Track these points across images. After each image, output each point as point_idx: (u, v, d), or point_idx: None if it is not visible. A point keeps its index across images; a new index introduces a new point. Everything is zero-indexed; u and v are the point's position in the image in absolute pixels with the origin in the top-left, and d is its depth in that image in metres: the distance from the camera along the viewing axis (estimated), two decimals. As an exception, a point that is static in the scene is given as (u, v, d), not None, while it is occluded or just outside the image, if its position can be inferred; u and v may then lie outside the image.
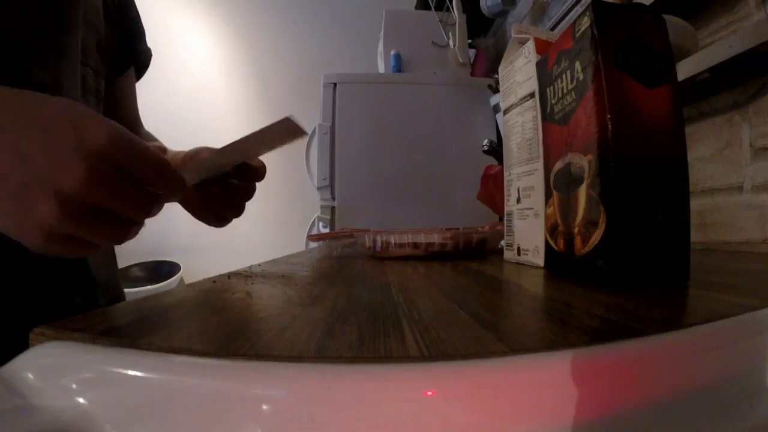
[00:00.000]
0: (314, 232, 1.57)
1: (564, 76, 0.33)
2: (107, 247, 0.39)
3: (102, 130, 0.27)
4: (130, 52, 0.69)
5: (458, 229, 0.59)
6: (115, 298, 0.59)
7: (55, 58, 0.50)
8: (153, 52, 0.74)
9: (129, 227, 0.29)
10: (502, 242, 0.48)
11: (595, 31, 0.28)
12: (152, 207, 0.30)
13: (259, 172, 0.45)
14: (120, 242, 0.30)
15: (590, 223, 0.29)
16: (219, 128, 2.44)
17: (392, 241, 0.54)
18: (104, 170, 0.26)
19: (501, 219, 0.56)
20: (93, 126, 0.27)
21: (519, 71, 0.43)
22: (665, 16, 0.31)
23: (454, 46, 1.45)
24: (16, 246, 0.32)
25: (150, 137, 0.75)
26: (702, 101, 0.66)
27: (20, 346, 0.17)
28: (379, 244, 0.55)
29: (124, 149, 0.27)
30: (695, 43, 0.63)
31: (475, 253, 0.54)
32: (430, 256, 0.52)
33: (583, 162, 0.30)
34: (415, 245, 0.53)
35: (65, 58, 0.51)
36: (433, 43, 1.50)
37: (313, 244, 0.91)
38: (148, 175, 0.29)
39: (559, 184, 0.34)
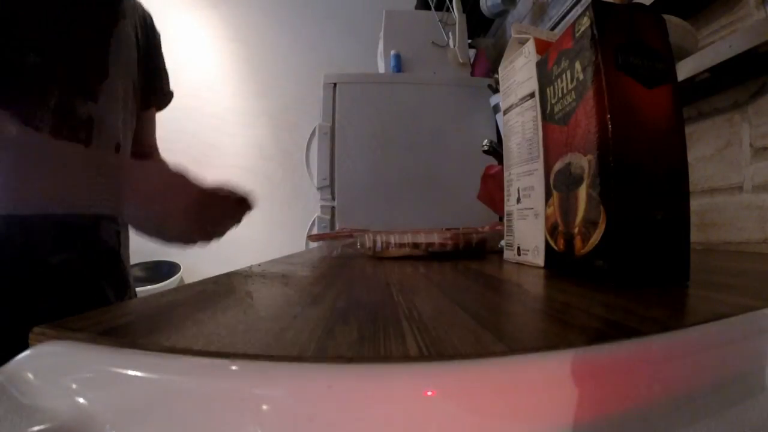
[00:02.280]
0: (314, 232, 1.57)
1: (564, 76, 0.33)
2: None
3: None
4: (156, 93, 0.79)
5: (458, 229, 0.59)
6: (133, 294, 0.68)
7: (103, 98, 0.59)
8: None
9: None
10: (502, 242, 0.48)
11: (595, 31, 0.28)
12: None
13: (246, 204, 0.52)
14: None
15: (590, 223, 0.29)
16: (219, 128, 2.44)
17: (392, 241, 0.54)
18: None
19: (501, 219, 0.56)
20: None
21: (519, 71, 0.43)
22: (665, 16, 0.31)
23: (454, 46, 1.45)
24: (54, 245, 0.45)
25: (162, 161, 0.83)
26: (702, 101, 0.66)
27: None
28: (379, 244, 0.55)
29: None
30: (695, 43, 0.63)
31: (475, 253, 0.54)
32: (430, 256, 0.52)
33: (583, 162, 0.30)
34: (415, 245, 0.53)
35: (111, 99, 0.60)
36: (433, 43, 1.50)
37: (313, 244, 0.91)
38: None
39: (559, 184, 0.34)
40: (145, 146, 0.80)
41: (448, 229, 0.57)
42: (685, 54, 0.59)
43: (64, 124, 0.54)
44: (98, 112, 0.58)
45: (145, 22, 0.73)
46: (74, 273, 0.54)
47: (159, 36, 0.78)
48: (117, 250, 0.63)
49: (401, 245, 0.53)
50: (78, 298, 0.54)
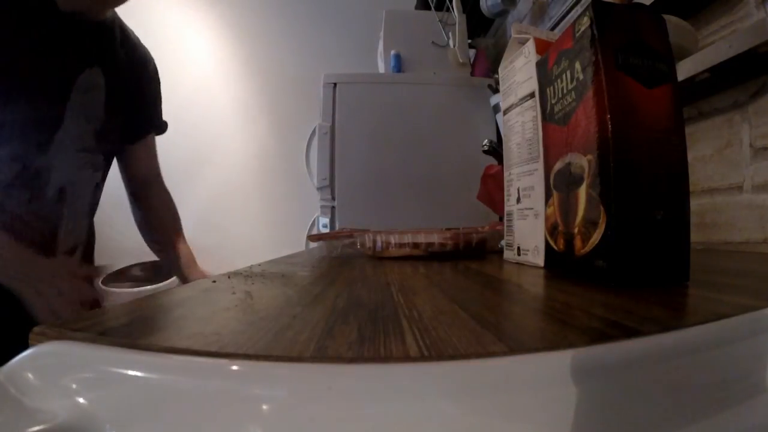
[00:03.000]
0: (314, 232, 1.57)
1: (564, 76, 0.33)
2: None
3: None
4: (143, 126, 0.84)
5: (458, 229, 0.59)
6: None
7: (54, 148, 0.63)
8: (153, 53, 0.83)
9: None
10: (502, 242, 0.48)
11: (595, 31, 0.28)
12: None
13: None
14: None
15: (590, 223, 0.29)
16: (219, 129, 2.44)
17: (392, 241, 0.54)
18: None
19: (501, 219, 0.56)
20: None
21: (519, 71, 0.43)
22: (665, 16, 0.31)
23: (454, 46, 1.45)
24: None
25: (163, 197, 0.89)
26: (702, 101, 0.66)
27: None
28: (379, 244, 0.55)
29: None
30: (695, 43, 0.63)
31: (475, 253, 0.54)
32: (430, 256, 0.52)
33: (583, 162, 0.30)
34: (415, 245, 0.53)
35: (63, 148, 0.65)
36: (433, 43, 1.50)
37: (313, 244, 0.91)
38: None
39: (559, 184, 0.34)
40: (139, 178, 0.86)
41: (448, 229, 0.57)
42: (685, 54, 0.59)
43: (19, 178, 0.61)
44: (49, 163, 0.64)
45: (133, 58, 0.78)
46: None
47: (151, 72, 0.83)
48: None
49: (401, 245, 0.53)
50: None
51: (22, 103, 0.60)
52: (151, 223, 0.88)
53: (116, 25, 0.74)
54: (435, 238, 0.53)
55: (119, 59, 0.74)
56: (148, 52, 0.84)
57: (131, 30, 0.81)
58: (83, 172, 0.70)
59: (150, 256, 0.90)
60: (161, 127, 0.88)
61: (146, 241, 0.89)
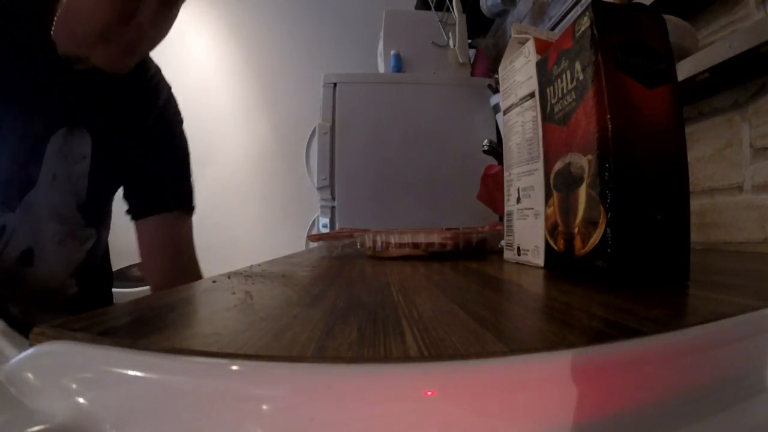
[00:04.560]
0: (314, 232, 1.57)
1: (564, 76, 0.33)
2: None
3: None
4: (154, 204, 0.68)
5: (458, 229, 0.59)
6: None
7: (19, 210, 0.56)
8: (152, 53, 0.72)
9: None
10: (502, 242, 0.48)
11: (595, 31, 0.28)
12: None
13: None
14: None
15: (590, 223, 0.29)
16: (219, 129, 2.44)
17: (392, 241, 0.54)
18: None
19: (501, 219, 0.56)
20: None
21: (519, 71, 0.43)
22: (665, 16, 0.31)
23: (454, 46, 1.45)
24: None
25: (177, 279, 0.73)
26: (702, 101, 0.66)
27: None
28: (379, 244, 0.55)
29: None
30: (695, 43, 0.63)
31: (475, 253, 0.54)
32: (430, 256, 0.52)
33: (583, 162, 0.30)
34: (415, 245, 0.53)
35: (31, 214, 0.57)
36: (433, 43, 1.50)
37: (313, 244, 0.91)
38: None
39: (559, 184, 0.34)
40: (145, 253, 0.71)
41: (448, 229, 0.57)
42: (685, 54, 0.59)
43: None
44: (12, 222, 0.56)
45: (160, 136, 0.65)
46: None
47: (177, 143, 0.69)
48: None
49: (401, 245, 0.53)
50: None
51: None
52: (146, 276, 0.74)
53: (146, 82, 0.62)
54: (435, 238, 0.53)
55: (132, 122, 0.62)
56: (180, 115, 0.70)
57: (170, 91, 0.67)
58: (60, 246, 0.61)
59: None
60: (183, 207, 0.70)
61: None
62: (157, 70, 0.66)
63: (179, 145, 0.70)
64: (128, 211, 0.69)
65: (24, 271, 0.58)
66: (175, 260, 0.72)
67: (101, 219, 0.66)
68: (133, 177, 0.66)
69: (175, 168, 0.70)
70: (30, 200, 0.56)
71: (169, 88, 0.68)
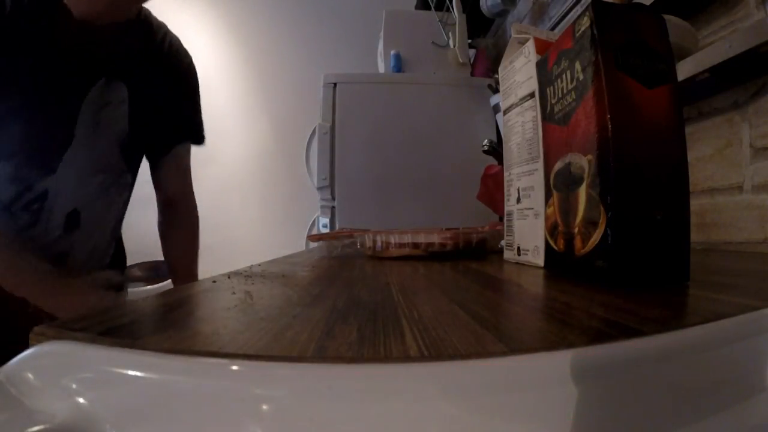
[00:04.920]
0: (314, 232, 1.57)
1: (564, 76, 0.33)
2: None
3: None
4: (174, 136, 0.75)
5: (458, 229, 0.59)
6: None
7: (63, 168, 0.58)
8: None
9: None
10: (502, 242, 0.48)
11: (595, 31, 0.28)
12: None
13: None
14: None
15: (590, 223, 0.29)
16: (219, 128, 2.44)
17: (392, 241, 0.54)
18: None
19: (501, 219, 0.56)
20: None
21: (519, 71, 0.43)
22: (665, 16, 0.31)
23: (454, 46, 1.45)
24: None
25: (187, 222, 0.83)
26: (702, 101, 0.66)
27: None
28: (379, 244, 0.55)
29: None
30: (695, 43, 0.63)
31: (475, 253, 0.54)
32: (430, 256, 0.52)
33: (583, 162, 0.30)
34: (415, 245, 0.53)
35: (72, 171, 0.59)
36: (433, 43, 1.50)
37: (313, 244, 0.91)
38: None
39: (559, 184, 0.34)
40: (168, 195, 0.80)
41: (448, 229, 0.57)
42: (685, 54, 0.59)
43: (19, 200, 0.56)
44: (56, 185, 0.58)
45: (167, 65, 0.70)
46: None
47: (187, 74, 0.76)
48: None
49: (401, 245, 0.53)
50: None
51: (22, 121, 0.55)
52: (168, 245, 0.83)
53: (146, 24, 0.66)
54: (435, 238, 0.53)
55: (147, 62, 0.66)
56: (186, 52, 0.76)
57: (167, 28, 0.72)
58: (104, 197, 0.64)
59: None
60: (195, 137, 0.78)
61: (162, 248, 0.85)
62: (149, 12, 0.69)
63: (190, 77, 0.77)
64: (153, 152, 0.74)
65: (71, 240, 0.61)
66: (186, 186, 0.81)
67: (137, 165, 0.72)
68: (158, 113, 0.71)
69: (190, 100, 0.78)
70: (70, 157, 0.59)
71: (166, 26, 0.73)
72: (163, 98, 0.71)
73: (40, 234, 0.58)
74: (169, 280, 0.95)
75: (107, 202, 0.66)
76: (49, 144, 0.58)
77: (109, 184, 0.65)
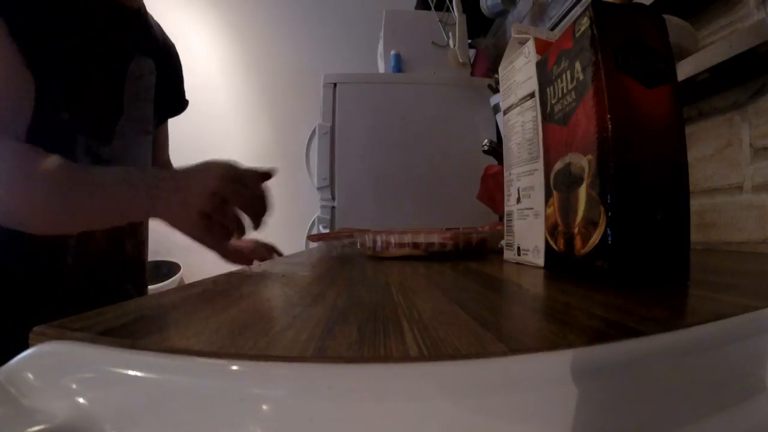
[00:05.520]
0: (314, 232, 1.57)
1: (564, 76, 0.33)
2: (232, 236, 0.50)
3: (225, 164, 0.49)
4: (173, 106, 0.86)
5: (458, 229, 0.59)
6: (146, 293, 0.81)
7: (117, 138, 0.65)
8: None
9: (243, 211, 0.49)
10: (502, 242, 0.48)
11: (595, 31, 0.28)
12: (254, 203, 0.50)
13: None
14: (239, 227, 0.49)
15: (590, 223, 0.29)
16: (219, 129, 2.44)
17: (392, 241, 0.54)
18: (229, 183, 0.47)
19: (501, 219, 0.56)
20: (222, 163, 0.49)
21: (519, 71, 0.43)
22: (665, 16, 0.31)
23: (454, 46, 1.45)
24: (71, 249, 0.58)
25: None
26: (702, 101, 0.66)
27: None
28: (379, 244, 0.55)
29: (239, 175, 0.48)
30: (695, 43, 0.63)
31: (475, 253, 0.54)
32: (430, 256, 0.52)
33: (583, 162, 0.30)
34: (415, 245, 0.53)
35: (125, 136, 0.67)
36: (433, 43, 1.50)
37: (313, 244, 0.91)
38: (252, 185, 0.50)
39: (559, 184, 0.34)
40: (160, 162, 0.88)
41: (448, 229, 0.57)
42: (685, 54, 0.59)
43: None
44: (113, 152, 0.65)
45: (162, 42, 0.79)
46: (100, 277, 0.67)
47: (176, 53, 0.85)
48: (140, 259, 0.76)
49: (401, 245, 0.53)
50: (105, 291, 0.67)
51: (82, 97, 0.60)
52: None
53: (145, 12, 0.75)
54: (435, 238, 0.53)
55: (156, 43, 0.76)
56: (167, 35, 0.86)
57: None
58: (145, 157, 0.73)
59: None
60: (184, 107, 0.90)
61: None
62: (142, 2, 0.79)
63: (177, 55, 0.87)
64: (158, 120, 0.82)
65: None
66: (168, 154, 0.92)
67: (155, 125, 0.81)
68: (168, 85, 0.81)
69: (181, 76, 0.87)
70: (120, 128, 0.66)
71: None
72: (170, 73, 0.81)
73: None
74: (170, 280, 0.97)
75: (149, 158, 0.75)
76: (104, 116, 0.64)
77: (149, 141, 0.73)
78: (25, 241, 0.54)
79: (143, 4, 0.74)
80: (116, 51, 0.65)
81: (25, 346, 0.16)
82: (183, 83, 0.88)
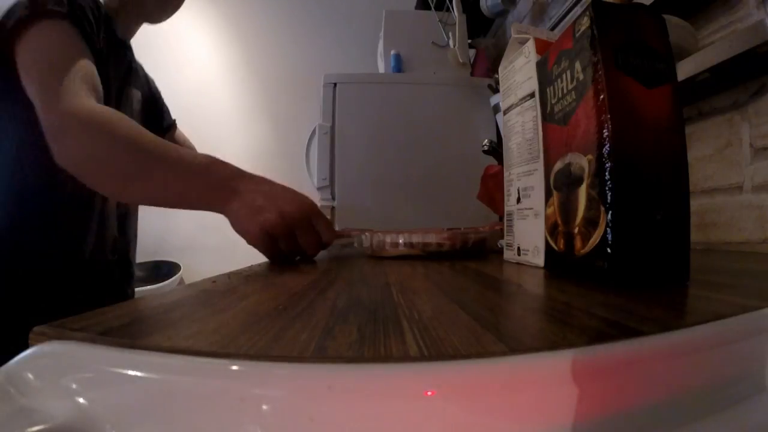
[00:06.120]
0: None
1: (564, 76, 0.33)
2: (286, 256, 0.52)
3: (309, 201, 0.53)
4: (156, 131, 0.93)
5: (459, 229, 0.59)
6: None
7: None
8: (153, 53, 0.96)
9: (299, 249, 0.51)
10: (501, 241, 0.48)
11: (595, 31, 0.28)
12: (316, 246, 0.52)
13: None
14: (290, 257, 0.52)
15: (590, 223, 0.29)
16: (219, 129, 2.44)
17: (389, 240, 0.54)
18: (303, 218, 0.50)
19: (501, 219, 0.56)
20: (307, 198, 0.53)
21: (519, 71, 0.43)
22: (665, 16, 0.31)
23: (454, 46, 1.45)
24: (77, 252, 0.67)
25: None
26: (702, 101, 0.66)
27: None
28: (376, 243, 0.55)
29: (316, 215, 0.52)
30: (695, 43, 0.63)
31: (474, 253, 0.54)
32: (429, 255, 0.52)
33: (583, 162, 0.30)
34: (413, 245, 0.53)
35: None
36: (433, 43, 1.50)
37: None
38: (323, 232, 0.52)
39: (559, 184, 0.34)
40: None
41: (449, 229, 0.57)
42: (685, 54, 0.59)
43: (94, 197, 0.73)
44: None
45: (147, 78, 0.93)
46: (104, 274, 0.73)
47: (152, 83, 0.96)
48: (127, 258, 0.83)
49: (398, 245, 0.53)
50: (107, 293, 0.74)
51: None
52: None
53: (131, 48, 0.85)
54: (432, 238, 0.53)
55: (138, 76, 0.86)
56: None
57: None
58: None
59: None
60: (171, 126, 0.99)
61: None
62: None
63: (156, 86, 0.97)
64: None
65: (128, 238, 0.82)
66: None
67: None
68: (153, 106, 0.92)
69: (161, 102, 0.97)
70: None
71: None
72: (151, 102, 0.91)
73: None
74: (170, 280, 1.00)
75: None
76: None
77: None
78: (50, 232, 0.63)
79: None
80: (115, 81, 0.74)
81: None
82: (165, 109, 0.98)
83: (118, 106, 0.74)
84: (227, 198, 0.50)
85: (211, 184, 0.51)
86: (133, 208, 0.84)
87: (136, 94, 0.83)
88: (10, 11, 0.57)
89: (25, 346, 0.16)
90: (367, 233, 0.56)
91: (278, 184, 0.53)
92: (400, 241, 0.53)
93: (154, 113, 0.92)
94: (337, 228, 1.29)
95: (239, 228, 0.51)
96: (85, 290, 0.68)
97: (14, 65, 0.57)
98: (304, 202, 0.51)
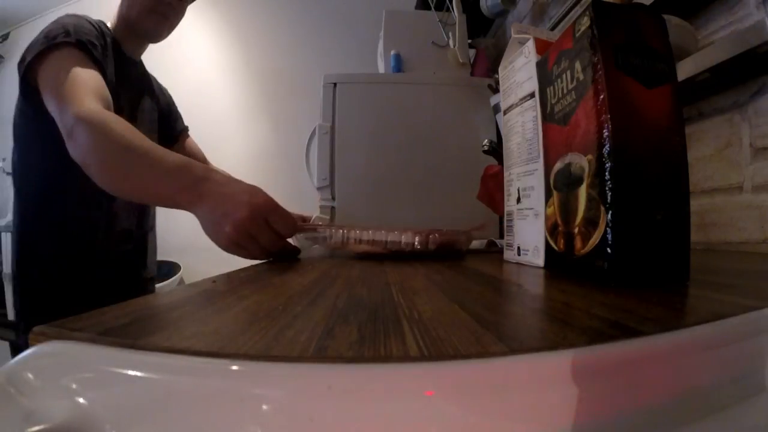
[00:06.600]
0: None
1: (564, 76, 0.33)
2: (260, 257, 0.54)
3: (260, 200, 0.53)
4: (169, 136, 1.06)
5: (436, 230, 0.59)
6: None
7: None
8: (154, 53, 0.97)
9: (266, 249, 0.53)
10: (502, 242, 0.48)
11: (595, 31, 0.28)
12: (278, 242, 0.54)
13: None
14: (263, 257, 0.53)
15: (590, 223, 0.29)
16: (219, 129, 2.44)
17: (353, 236, 0.53)
18: (255, 220, 0.51)
19: (501, 219, 0.56)
20: (257, 197, 0.53)
21: (519, 71, 0.43)
22: (665, 16, 0.31)
23: (454, 46, 1.45)
24: (102, 246, 0.81)
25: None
26: (702, 101, 0.66)
27: None
28: (340, 239, 0.54)
29: (270, 211, 0.53)
30: (695, 43, 0.63)
31: (445, 254, 0.53)
32: (393, 255, 0.52)
33: (583, 162, 0.30)
34: (375, 242, 0.52)
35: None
36: (433, 43, 1.50)
37: (314, 245, 0.91)
38: (280, 228, 0.53)
39: (559, 184, 0.34)
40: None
41: (432, 230, 0.56)
42: (685, 54, 0.59)
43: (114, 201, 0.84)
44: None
45: (162, 89, 1.04)
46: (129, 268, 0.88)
47: (166, 91, 1.07)
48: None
49: (361, 241, 0.53)
50: (131, 285, 0.87)
51: None
52: None
53: (142, 64, 0.96)
54: (397, 237, 0.52)
55: (152, 87, 0.98)
56: None
57: None
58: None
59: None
60: (184, 131, 1.11)
61: None
62: None
63: (169, 94, 1.09)
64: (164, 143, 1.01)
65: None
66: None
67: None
68: (166, 114, 1.04)
69: (174, 109, 1.09)
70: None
71: None
72: (165, 109, 1.03)
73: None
74: (170, 280, 1.06)
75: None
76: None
77: None
78: (62, 220, 0.75)
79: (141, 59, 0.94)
80: (132, 92, 0.86)
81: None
82: (177, 116, 1.09)
83: (132, 116, 0.83)
84: (193, 201, 0.54)
85: (181, 185, 0.54)
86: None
87: (151, 104, 0.94)
88: (30, 48, 0.69)
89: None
90: (332, 228, 0.56)
91: (235, 184, 0.54)
92: (364, 238, 0.53)
93: (168, 120, 1.04)
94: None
95: (209, 237, 0.54)
96: (102, 274, 0.80)
97: (38, 91, 0.68)
98: (253, 202, 0.52)
